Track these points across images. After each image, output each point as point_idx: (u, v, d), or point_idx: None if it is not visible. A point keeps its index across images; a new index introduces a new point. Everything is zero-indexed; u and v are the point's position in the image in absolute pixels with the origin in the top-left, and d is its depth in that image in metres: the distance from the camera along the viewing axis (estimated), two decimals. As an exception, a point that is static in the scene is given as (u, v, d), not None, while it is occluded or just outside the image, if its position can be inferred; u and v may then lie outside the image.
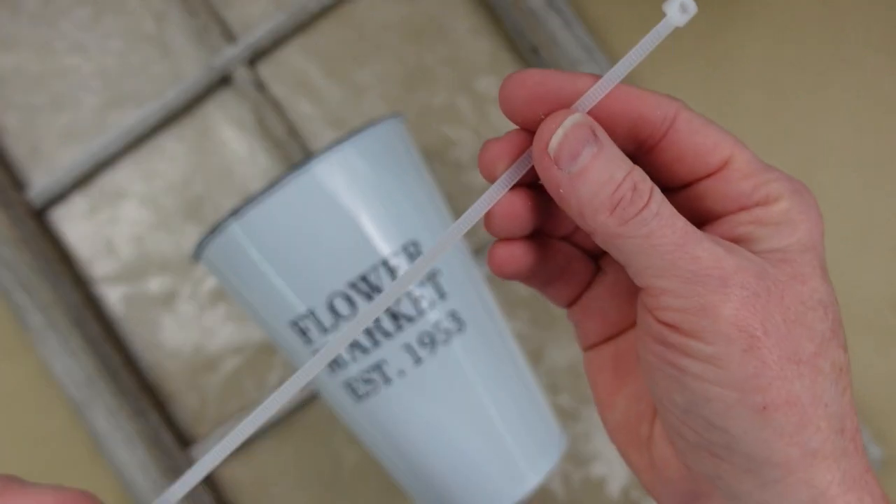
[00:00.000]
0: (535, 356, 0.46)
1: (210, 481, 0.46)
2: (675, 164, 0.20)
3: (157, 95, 0.48)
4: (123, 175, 0.48)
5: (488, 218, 0.21)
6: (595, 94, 0.19)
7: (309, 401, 0.46)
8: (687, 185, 0.21)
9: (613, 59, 0.46)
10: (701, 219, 0.21)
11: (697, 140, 0.20)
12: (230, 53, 0.46)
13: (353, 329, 0.20)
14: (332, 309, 0.33)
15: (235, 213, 0.32)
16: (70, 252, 0.48)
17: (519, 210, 0.20)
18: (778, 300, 0.18)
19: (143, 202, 0.48)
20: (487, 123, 0.47)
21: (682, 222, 0.18)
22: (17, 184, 0.48)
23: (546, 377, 0.46)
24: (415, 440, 0.35)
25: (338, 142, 0.33)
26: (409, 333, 0.33)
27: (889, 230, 0.44)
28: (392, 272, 0.33)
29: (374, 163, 0.33)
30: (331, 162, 0.32)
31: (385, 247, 0.33)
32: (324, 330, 0.33)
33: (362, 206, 0.33)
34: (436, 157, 0.47)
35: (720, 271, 0.18)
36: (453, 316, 0.34)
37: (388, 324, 0.33)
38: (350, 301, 0.32)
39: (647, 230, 0.18)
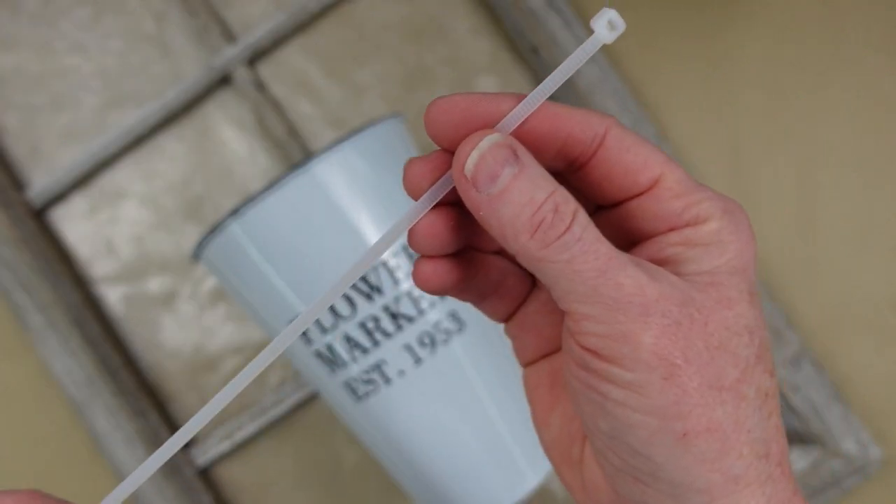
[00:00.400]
0: (535, 356, 0.46)
1: (210, 481, 0.46)
2: (605, 182, 0.20)
3: (157, 95, 0.48)
4: (123, 175, 0.48)
5: (410, 236, 0.20)
6: (518, 114, 0.19)
7: (309, 401, 0.46)
8: (618, 203, 0.21)
9: (612, 59, 0.46)
10: (632, 238, 0.21)
11: (627, 158, 0.20)
12: (230, 53, 0.46)
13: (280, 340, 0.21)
14: (332, 309, 0.33)
15: (235, 212, 0.32)
16: (70, 252, 0.48)
17: (440, 229, 0.20)
18: (701, 326, 0.18)
19: (143, 202, 0.48)
20: (487, 123, 0.47)
21: (605, 247, 0.18)
22: (17, 184, 0.48)
23: (546, 377, 0.46)
24: (415, 440, 0.35)
25: (338, 142, 0.33)
26: (409, 333, 0.33)
27: (889, 230, 0.44)
28: (391, 272, 0.33)
29: (374, 163, 0.33)
30: (331, 162, 0.32)
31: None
32: (324, 330, 0.33)
33: (362, 206, 0.33)
34: (436, 157, 0.47)
35: (642, 299, 0.18)
36: (453, 316, 0.34)
37: (387, 324, 0.33)
38: (350, 301, 0.32)
39: (569, 255, 0.18)
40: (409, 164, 0.20)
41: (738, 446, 0.18)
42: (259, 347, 0.47)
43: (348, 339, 0.33)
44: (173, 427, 0.46)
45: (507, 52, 0.47)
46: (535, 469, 0.35)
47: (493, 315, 0.24)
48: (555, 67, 0.19)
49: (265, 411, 0.45)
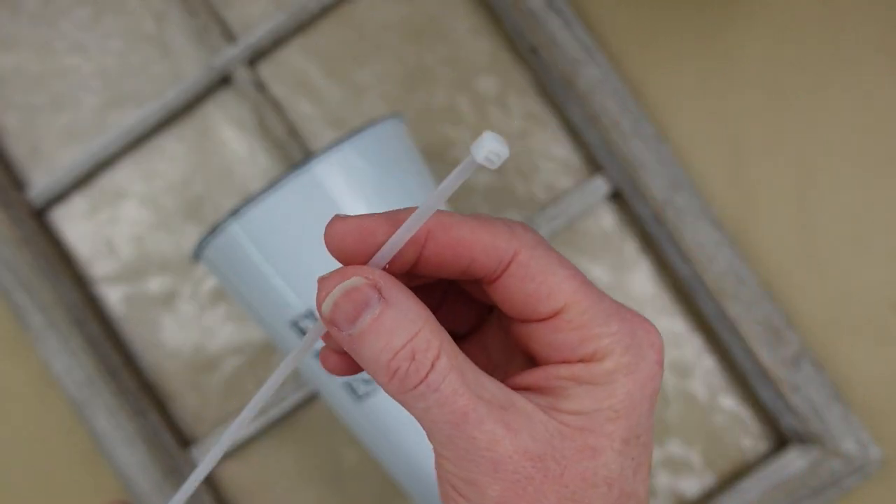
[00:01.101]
0: (535, 356, 0.46)
1: (210, 481, 0.46)
2: (507, 304, 0.20)
3: (157, 95, 0.48)
4: (123, 175, 0.48)
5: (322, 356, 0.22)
6: (394, 243, 0.19)
7: (309, 401, 0.46)
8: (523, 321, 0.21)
9: (613, 60, 0.46)
10: (529, 357, 0.21)
11: (529, 287, 0.19)
12: (230, 53, 0.46)
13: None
14: None
15: (235, 212, 0.32)
16: (70, 252, 0.48)
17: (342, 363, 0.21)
18: (556, 478, 0.18)
19: (143, 202, 0.48)
20: (487, 123, 0.47)
21: (464, 399, 0.18)
22: (18, 184, 0.48)
23: (546, 377, 0.46)
24: (414, 440, 0.35)
25: (337, 142, 0.33)
26: None
27: (889, 230, 0.44)
28: None
29: (373, 163, 0.33)
30: (331, 162, 0.32)
31: None
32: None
33: (362, 206, 0.33)
34: (436, 157, 0.47)
35: (493, 454, 0.18)
36: None
37: None
38: None
39: (425, 404, 0.18)
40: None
41: None
42: (259, 347, 0.47)
43: None
44: (173, 427, 0.46)
45: (507, 52, 0.47)
46: None
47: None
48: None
49: (265, 411, 0.45)
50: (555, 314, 0.19)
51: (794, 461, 0.42)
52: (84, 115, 0.48)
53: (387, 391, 0.18)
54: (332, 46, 0.48)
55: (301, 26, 0.48)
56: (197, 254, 0.35)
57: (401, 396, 0.18)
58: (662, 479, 0.45)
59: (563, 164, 0.46)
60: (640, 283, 0.46)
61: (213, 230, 0.33)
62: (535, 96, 0.47)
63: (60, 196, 0.48)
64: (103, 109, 0.48)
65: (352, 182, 0.33)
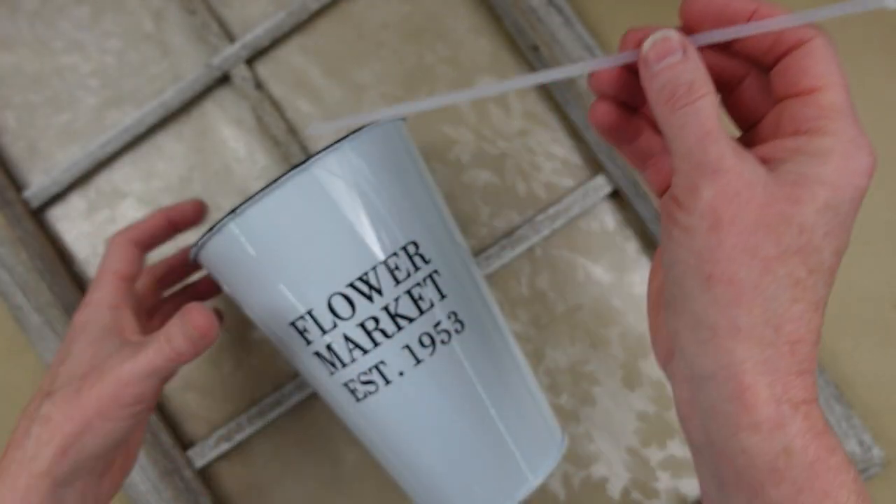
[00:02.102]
0: (536, 356, 0.45)
1: (209, 482, 0.46)
2: (782, 75, 0.25)
3: (156, 94, 0.48)
4: (122, 175, 0.48)
5: (592, 76, 0.28)
6: (717, 35, 0.25)
7: (309, 401, 0.46)
8: (780, 99, 0.25)
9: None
10: (771, 132, 0.25)
11: (807, 64, 0.24)
12: (229, 52, 0.46)
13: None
14: (332, 309, 0.32)
15: (233, 212, 0.32)
16: (68, 252, 0.48)
17: (614, 76, 0.28)
18: (760, 205, 0.22)
19: (141, 202, 0.48)
20: (487, 123, 0.46)
21: (712, 125, 0.23)
22: (15, 183, 0.48)
23: (546, 377, 0.45)
24: (414, 440, 0.34)
25: (337, 141, 0.32)
26: (409, 334, 0.33)
27: (889, 230, 0.44)
28: (392, 272, 0.32)
29: (373, 163, 0.33)
30: (330, 161, 0.32)
31: (384, 247, 0.32)
32: (322, 330, 0.33)
33: (362, 207, 0.32)
34: (436, 157, 0.46)
35: (717, 165, 0.22)
36: (453, 316, 0.34)
37: (387, 324, 0.32)
38: (349, 301, 0.32)
39: (684, 121, 0.23)
40: (627, 33, 0.27)
41: (748, 304, 0.22)
42: (257, 346, 0.46)
43: (348, 340, 0.33)
44: (172, 427, 0.46)
45: (508, 50, 0.47)
46: (534, 470, 0.35)
47: (637, 163, 0.30)
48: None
49: (265, 412, 0.45)
50: (811, 91, 0.23)
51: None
52: (82, 114, 0.48)
53: (658, 111, 0.24)
54: (331, 45, 0.48)
55: (300, 25, 0.48)
56: (195, 253, 0.35)
57: (670, 115, 0.23)
58: (664, 480, 0.44)
59: (563, 164, 0.46)
60: (641, 283, 0.45)
61: (211, 229, 0.33)
62: (536, 96, 0.47)
63: (58, 196, 0.48)
64: (102, 109, 0.48)
65: (351, 182, 0.32)
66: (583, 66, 0.27)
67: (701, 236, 0.22)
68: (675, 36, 0.24)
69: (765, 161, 0.24)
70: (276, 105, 0.47)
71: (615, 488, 0.45)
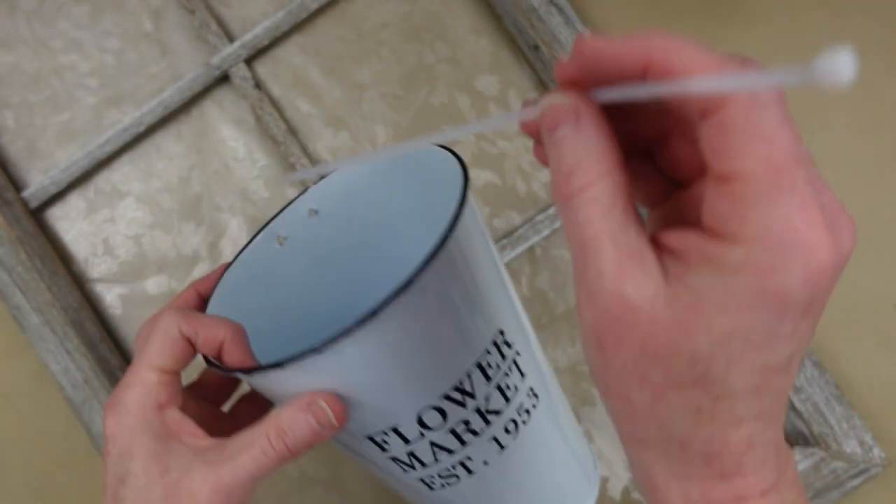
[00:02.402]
0: (535, 356, 0.45)
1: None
2: (700, 148, 0.19)
3: (155, 94, 0.47)
4: (121, 174, 0.48)
5: (523, 126, 0.23)
6: (616, 94, 0.19)
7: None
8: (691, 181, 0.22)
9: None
10: (695, 208, 0.20)
11: (719, 141, 0.18)
12: (228, 52, 0.46)
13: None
14: (420, 422, 0.29)
15: (324, 344, 0.26)
16: (67, 252, 0.48)
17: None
18: (643, 332, 0.19)
19: (140, 201, 0.48)
20: (487, 122, 0.46)
21: (590, 231, 0.19)
22: (14, 183, 0.47)
23: (546, 378, 0.45)
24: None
25: (431, 253, 0.26)
26: (497, 426, 0.30)
27: (889, 231, 0.44)
28: (484, 370, 0.29)
29: (462, 267, 0.28)
30: (424, 281, 0.26)
31: (476, 349, 0.29)
32: (406, 441, 0.29)
33: (453, 316, 0.28)
34: (435, 157, 0.46)
35: (595, 286, 0.19)
36: (531, 392, 0.32)
37: (477, 423, 0.30)
38: (441, 411, 0.29)
39: (564, 220, 0.20)
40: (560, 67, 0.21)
41: (644, 424, 0.20)
42: (257, 348, 0.46)
43: (434, 445, 0.30)
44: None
45: (508, 50, 0.47)
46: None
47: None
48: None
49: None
50: (724, 178, 0.18)
51: (796, 462, 0.41)
52: (81, 113, 0.48)
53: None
54: (330, 45, 0.48)
55: (299, 24, 0.47)
56: (278, 365, 0.28)
57: (555, 203, 0.20)
58: (663, 481, 0.44)
59: (563, 164, 0.46)
60: (640, 283, 0.45)
61: (280, 365, 0.27)
62: (536, 94, 0.46)
63: (57, 195, 0.47)
64: (101, 108, 0.48)
65: (442, 296, 0.27)
66: (506, 117, 0.23)
67: (591, 350, 0.20)
68: (565, 102, 0.20)
69: (675, 253, 0.19)
70: (275, 104, 0.47)
71: (615, 488, 0.45)
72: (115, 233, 0.47)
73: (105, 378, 0.43)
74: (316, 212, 0.35)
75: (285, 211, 0.35)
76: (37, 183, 0.47)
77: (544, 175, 0.46)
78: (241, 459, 0.26)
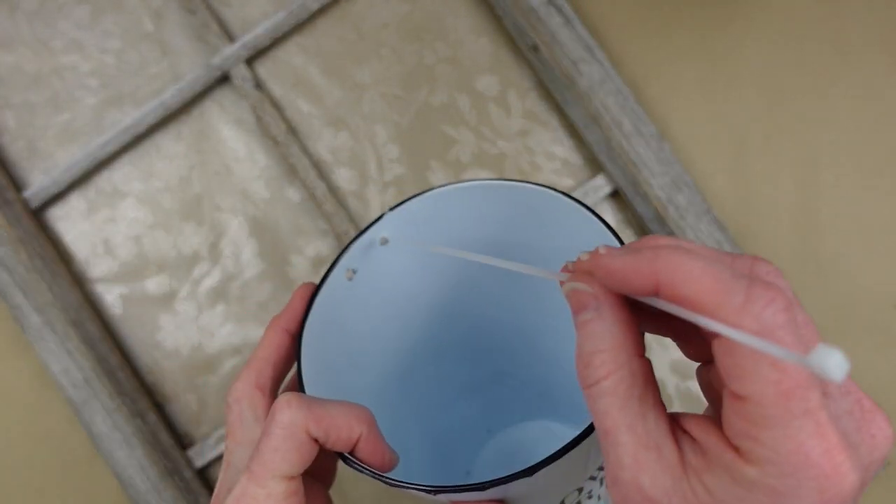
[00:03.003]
0: (536, 356, 0.46)
1: (209, 482, 0.46)
2: (713, 359, 0.19)
3: (155, 94, 0.48)
4: (121, 174, 0.48)
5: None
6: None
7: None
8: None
9: (614, 59, 0.45)
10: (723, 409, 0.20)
11: (730, 361, 0.18)
12: (229, 52, 0.46)
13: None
14: None
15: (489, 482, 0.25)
16: (67, 252, 0.48)
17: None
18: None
19: (141, 201, 0.48)
20: (488, 122, 0.46)
21: (609, 422, 0.20)
22: (15, 183, 0.48)
23: (546, 377, 0.45)
24: None
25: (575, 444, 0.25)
26: None
27: (890, 230, 0.44)
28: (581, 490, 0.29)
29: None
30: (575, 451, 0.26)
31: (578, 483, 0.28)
32: None
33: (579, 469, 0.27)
34: (436, 157, 0.46)
35: (614, 474, 0.19)
36: (601, 482, 0.30)
37: None
38: None
39: (589, 406, 0.20)
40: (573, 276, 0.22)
41: None
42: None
43: None
44: (171, 428, 0.46)
45: (508, 50, 0.47)
46: None
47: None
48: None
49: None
50: (735, 396, 0.18)
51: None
52: (82, 114, 0.48)
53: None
54: (331, 45, 0.48)
55: (300, 25, 0.48)
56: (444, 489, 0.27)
57: (584, 389, 0.20)
58: (663, 480, 0.44)
59: (563, 164, 0.46)
60: (640, 283, 0.45)
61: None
62: (536, 95, 0.47)
63: (58, 195, 0.48)
64: (101, 108, 0.48)
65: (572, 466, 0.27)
66: (545, 272, 0.23)
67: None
68: (587, 289, 0.20)
69: (696, 443, 0.19)
70: (275, 105, 0.47)
71: (615, 488, 0.45)
72: (115, 233, 0.47)
73: (105, 378, 0.43)
74: (387, 240, 0.32)
75: (356, 243, 0.32)
76: (37, 183, 0.47)
77: (544, 175, 0.46)
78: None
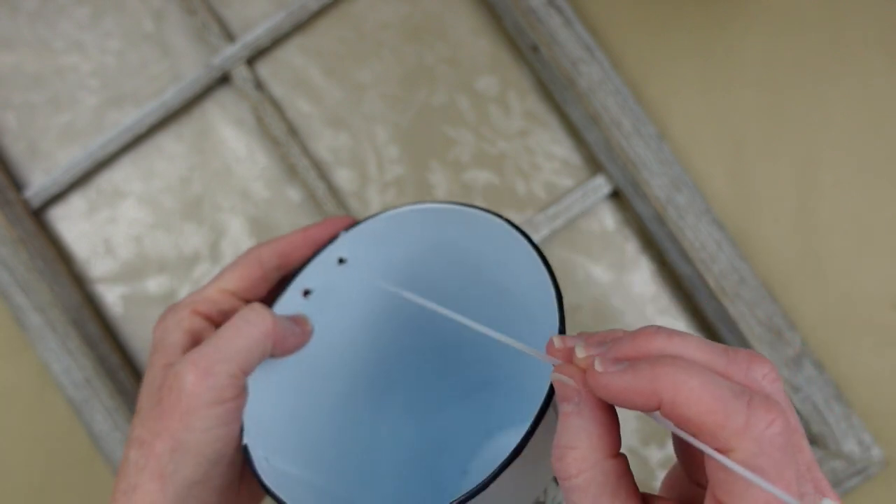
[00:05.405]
0: (535, 356, 0.46)
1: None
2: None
3: (156, 95, 0.48)
4: (122, 175, 0.48)
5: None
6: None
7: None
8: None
9: (613, 58, 0.46)
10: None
11: (719, 475, 0.19)
12: (229, 52, 0.46)
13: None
14: None
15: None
16: (68, 252, 0.48)
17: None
18: None
19: (141, 202, 0.48)
20: (487, 123, 0.46)
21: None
22: (16, 183, 0.48)
23: (546, 377, 0.45)
24: None
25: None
26: None
27: (890, 230, 0.44)
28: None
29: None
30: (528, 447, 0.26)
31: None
32: None
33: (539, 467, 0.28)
34: (436, 157, 0.47)
35: None
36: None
37: None
38: None
39: (567, 498, 0.20)
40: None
41: None
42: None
43: None
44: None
45: (508, 50, 0.47)
46: None
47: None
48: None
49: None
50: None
51: (795, 462, 0.41)
52: (83, 114, 0.48)
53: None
54: (331, 45, 0.48)
55: (300, 25, 0.48)
56: None
57: (560, 481, 0.21)
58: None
59: (563, 164, 0.46)
60: (640, 283, 0.45)
61: None
62: (536, 95, 0.47)
63: (59, 196, 0.48)
64: (102, 109, 0.48)
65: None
66: (533, 352, 0.23)
67: None
68: (570, 383, 0.21)
69: None
70: (276, 105, 0.47)
71: (615, 488, 0.45)
72: (116, 233, 0.48)
73: (106, 378, 0.43)
74: (344, 260, 0.33)
75: (311, 263, 0.32)
76: (38, 183, 0.47)
77: (544, 175, 0.46)
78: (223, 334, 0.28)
